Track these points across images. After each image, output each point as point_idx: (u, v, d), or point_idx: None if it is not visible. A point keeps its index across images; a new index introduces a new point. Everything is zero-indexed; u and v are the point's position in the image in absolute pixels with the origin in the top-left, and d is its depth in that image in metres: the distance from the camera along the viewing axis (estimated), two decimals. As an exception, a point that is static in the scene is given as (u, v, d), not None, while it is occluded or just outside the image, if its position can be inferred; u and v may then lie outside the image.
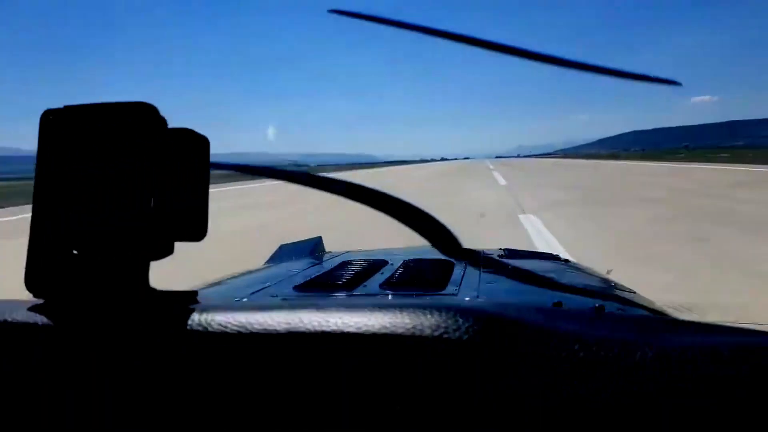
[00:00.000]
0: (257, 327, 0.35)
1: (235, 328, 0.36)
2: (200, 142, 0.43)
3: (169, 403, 0.35)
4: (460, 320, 0.34)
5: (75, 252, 0.39)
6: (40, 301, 0.41)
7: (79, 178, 0.39)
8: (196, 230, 0.43)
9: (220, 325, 0.36)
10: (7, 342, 0.38)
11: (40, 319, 0.38)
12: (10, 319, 0.39)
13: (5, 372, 0.37)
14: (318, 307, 0.37)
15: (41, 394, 0.37)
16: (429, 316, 0.35)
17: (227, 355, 0.35)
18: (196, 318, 0.37)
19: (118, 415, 0.36)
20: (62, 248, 0.39)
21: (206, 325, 0.36)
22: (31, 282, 0.40)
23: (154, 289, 0.41)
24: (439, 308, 0.36)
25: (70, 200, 0.39)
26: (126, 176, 0.39)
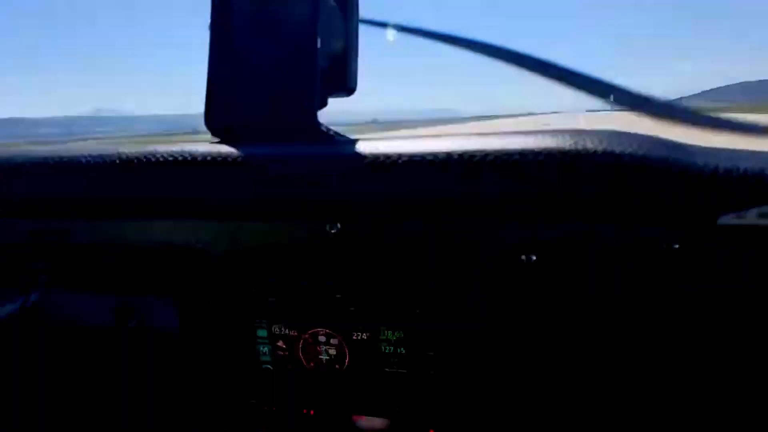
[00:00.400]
0: (422, 149, 0.38)
1: (403, 150, 0.38)
2: (352, 4, 0.46)
3: (340, 224, 0.41)
4: (622, 137, 0.34)
5: (248, 95, 0.42)
6: (217, 139, 0.44)
7: (250, 28, 0.42)
8: (347, 85, 0.47)
9: (389, 147, 0.39)
10: (191, 174, 0.41)
11: (220, 151, 0.41)
12: (192, 153, 0.41)
13: (188, 199, 0.41)
14: (479, 136, 0.39)
15: (219, 221, 0.42)
16: (587, 136, 0.35)
17: (397, 175, 0.37)
18: (362, 146, 0.39)
19: (302, 233, 0.41)
20: (236, 91, 0.42)
21: (375, 149, 0.39)
22: (210, 120, 0.44)
23: (320, 125, 0.43)
24: (597, 132, 0.35)
25: (243, 46, 0.42)
26: (293, 27, 0.41)
